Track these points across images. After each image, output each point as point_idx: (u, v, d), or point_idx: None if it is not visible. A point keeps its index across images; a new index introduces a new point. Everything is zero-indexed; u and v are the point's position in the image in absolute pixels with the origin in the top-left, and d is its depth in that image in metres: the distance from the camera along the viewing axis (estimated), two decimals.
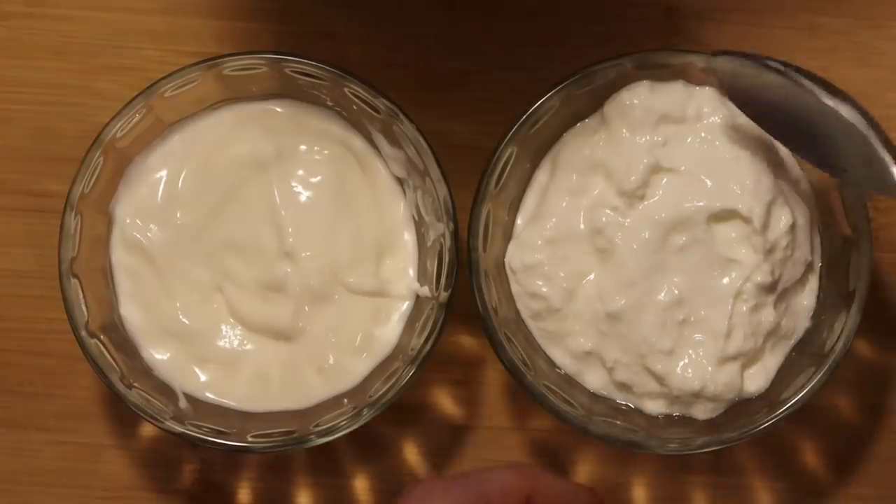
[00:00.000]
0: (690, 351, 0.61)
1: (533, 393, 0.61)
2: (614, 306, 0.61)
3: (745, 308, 0.61)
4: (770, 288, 0.61)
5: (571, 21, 0.68)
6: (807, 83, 0.58)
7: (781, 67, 0.59)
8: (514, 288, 0.63)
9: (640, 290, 0.61)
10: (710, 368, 0.61)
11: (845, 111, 0.58)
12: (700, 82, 0.62)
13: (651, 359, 0.61)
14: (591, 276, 0.62)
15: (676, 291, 0.61)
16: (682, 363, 0.61)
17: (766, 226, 0.61)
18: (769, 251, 0.61)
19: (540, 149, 0.64)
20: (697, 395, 0.61)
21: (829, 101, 0.58)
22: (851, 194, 0.61)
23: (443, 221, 0.62)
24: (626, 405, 0.63)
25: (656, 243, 0.61)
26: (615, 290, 0.61)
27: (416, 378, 0.61)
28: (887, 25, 0.68)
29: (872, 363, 0.68)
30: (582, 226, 0.62)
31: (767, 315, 0.62)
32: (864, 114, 0.58)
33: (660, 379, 0.61)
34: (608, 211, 0.61)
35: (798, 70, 0.59)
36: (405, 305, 0.64)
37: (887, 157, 0.57)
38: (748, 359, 0.62)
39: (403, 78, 0.67)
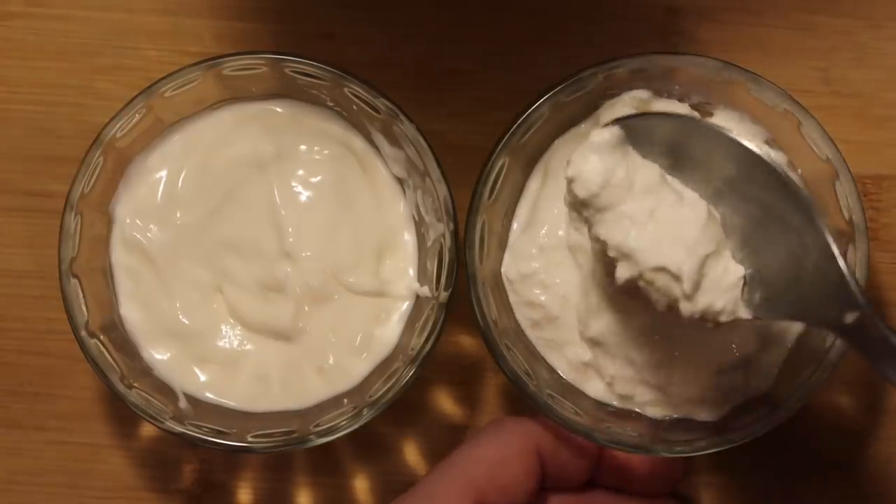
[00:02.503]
0: (683, 363, 0.61)
1: (537, 403, 0.60)
2: (590, 333, 0.61)
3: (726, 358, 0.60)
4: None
5: (571, 21, 0.68)
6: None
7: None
8: (512, 298, 0.63)
9: (610, 319, 0.60)
10: (707, 378, 0.61)
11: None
12: (690, 85, 0.62)
13: (645, 373, 0.61)
14: (576, 296, 0.62)
15: (643, 334, 0.60)
16: (678, 374, 0.61)
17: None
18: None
19: (533, 157, 0.64)
20: (701, 401, 0.61)
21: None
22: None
23: (443, 221, 0.62)
24: (630, 409, 0.63)
25: (607, 280, 0.60)
26: (592, 313, 0.61)
27: (416, 378, 0.61)
28: (886, 25, 0.68)
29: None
30: (561, 233, 0.62)
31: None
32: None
33: (659, 388, 0.61)
34: (573, 229, 0.60)
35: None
36: (405, 305, 0.64)
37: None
38: (750, 362, 0.62)
39: (403, 78, 0.67)
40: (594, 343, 0.61)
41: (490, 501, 0.57)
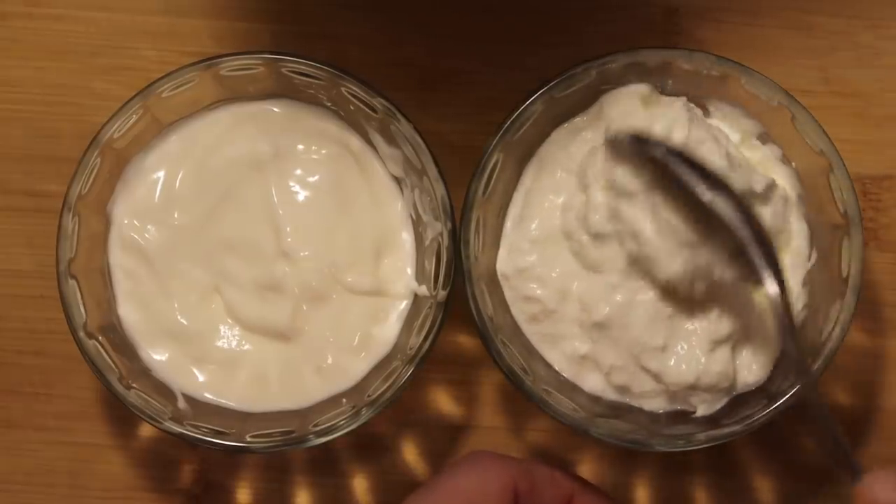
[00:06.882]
0: (682, 343, 0.61)
1: (533, 398, 0.60)
2: (599, 316, 0.61)
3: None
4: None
5: (571, 21, 0.68)
6: (686, 173, 0.58)
7: (659, 155, 0.58)
8: (508, 293, 0.63)
9: (624, 292, 0.61)
10: (702, 359, 0.61)
11: (720, 205, 0.57)
12: (684, 79, 0.62)
13: (645, 357, 0.61)
14: (576, 284, 0.62)
15: (659, 291, 0.61)
16: (675, 358, 0.61)
17: None
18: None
19: (527, 152, 0.64)
20: (694, 387, 0.61)
21: (707, 195, 0.57)
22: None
23: (440, 220, 0.62)
24: (627, 403, 0.63)
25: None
26: (598, 298, 0.61)
27: (415, 377, 0.61)
28: (886, 25, 0.68)
29: (872, 364, 0.68)
30: (557, 225, 0.62)
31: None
32: (744, 210, 0.57)
33: (656, 376, 0.61)
34: (573, 215, 0.61)
35: (680, 156, 0.58)
36: (403, 304, 0.64)
37: (758, 261, 0.57)
38: (739, 339, 0.61)
39: (403, 78, 0.67)
40: (599, 327, 0.61)
41: None
